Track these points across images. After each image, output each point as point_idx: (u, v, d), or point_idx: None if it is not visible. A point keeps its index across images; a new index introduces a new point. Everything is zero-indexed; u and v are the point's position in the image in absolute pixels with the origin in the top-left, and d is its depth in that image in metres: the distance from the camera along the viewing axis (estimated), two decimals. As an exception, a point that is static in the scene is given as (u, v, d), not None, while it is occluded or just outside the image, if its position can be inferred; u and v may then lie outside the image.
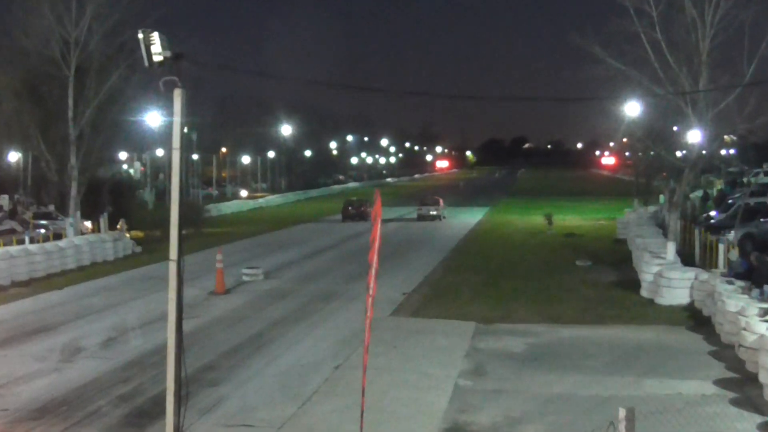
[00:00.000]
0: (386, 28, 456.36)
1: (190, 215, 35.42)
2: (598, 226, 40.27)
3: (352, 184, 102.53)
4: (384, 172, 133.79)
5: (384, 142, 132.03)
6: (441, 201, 49.08)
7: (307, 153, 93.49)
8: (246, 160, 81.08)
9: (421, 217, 46.63)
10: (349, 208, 47.46)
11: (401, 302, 19.42)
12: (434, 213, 46.99)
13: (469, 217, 48.20)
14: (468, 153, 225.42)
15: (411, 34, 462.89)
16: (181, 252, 7.56)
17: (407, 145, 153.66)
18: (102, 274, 25.01)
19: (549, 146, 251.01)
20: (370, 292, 8.62)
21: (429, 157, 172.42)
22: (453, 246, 32.95)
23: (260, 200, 66.50)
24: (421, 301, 19.82)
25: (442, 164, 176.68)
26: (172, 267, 7.60)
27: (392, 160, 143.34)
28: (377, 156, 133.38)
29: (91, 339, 15.61)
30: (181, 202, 7.72)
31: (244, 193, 72.43)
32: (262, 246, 33.75)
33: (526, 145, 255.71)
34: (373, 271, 8.55)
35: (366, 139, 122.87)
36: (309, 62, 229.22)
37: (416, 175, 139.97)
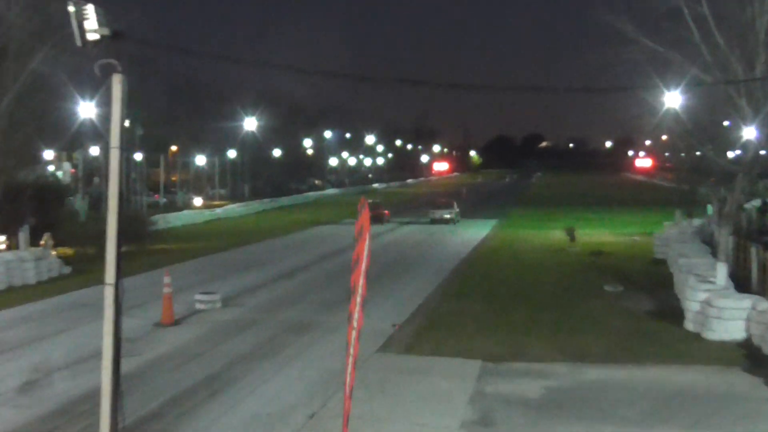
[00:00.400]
0: (377, 8, 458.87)
1: (132, 228, 35.31)
2: (631, 243, 40.48)
3: (331, 191, 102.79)
4: (370, 176, 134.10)
5: (370, 139, 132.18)
6: (455, 203, 55.49)
7: (276, 152, 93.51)
8: (201, 161, 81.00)
9: (435, 221, 52.88)
10: None
11: (391, 335, 19.39)
12: (448, 216, 53.42)
13: (475, 231, 48.67)
14: (472, 153, 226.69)
15: (404, 15, 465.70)
16: (119, 274, 7.52)
17: (398, 143, 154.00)
18: (20, 302, 24.79)
19: (570, 145, 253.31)
20: (354, 323, 8.58)
21: (425, 158, 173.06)
22: (454, 266, 33.05)
23: (218, 210, 66.56)
24: (415, 334, 19.79)
25: (441, 167, 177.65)
26: (109, 292, 7.56)
27: (380, 161, 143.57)
28: (361, 157, 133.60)
29: (6, 382, 15.42)
30: (121, 212, 7.69)
31: (198, 201, 72.48)
32: (220, 266, 33.65)
33: (542, 144, 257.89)
34: (358, 298, 8.51)
35: (348, 136, 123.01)
36: (285, 47, 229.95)
37: (409, 180, 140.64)
